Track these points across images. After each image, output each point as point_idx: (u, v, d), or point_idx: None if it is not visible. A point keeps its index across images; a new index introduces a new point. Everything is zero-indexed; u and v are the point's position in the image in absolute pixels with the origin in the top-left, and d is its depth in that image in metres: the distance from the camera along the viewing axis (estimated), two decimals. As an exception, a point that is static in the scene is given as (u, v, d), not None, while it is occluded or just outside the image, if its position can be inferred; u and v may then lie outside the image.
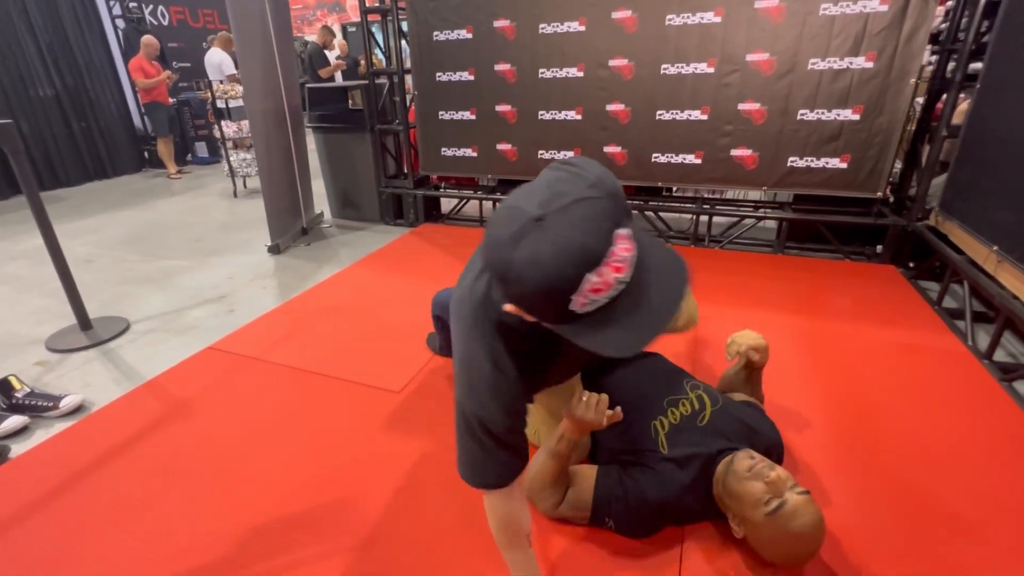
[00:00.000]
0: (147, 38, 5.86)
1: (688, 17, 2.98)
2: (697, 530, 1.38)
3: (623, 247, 0.70)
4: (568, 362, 1.29)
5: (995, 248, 2.19)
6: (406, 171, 4.11)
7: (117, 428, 1.83)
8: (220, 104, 5.32)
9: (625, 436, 1.41)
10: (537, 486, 1.36)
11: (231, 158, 5.23)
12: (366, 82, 3.87)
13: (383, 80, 4.00)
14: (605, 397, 1.32)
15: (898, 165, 3.24)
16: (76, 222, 4.45)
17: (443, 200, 4.44)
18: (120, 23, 6.66)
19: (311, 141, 4.21)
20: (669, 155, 3.29)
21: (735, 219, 3.64)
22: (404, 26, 3.64)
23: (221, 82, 5.46)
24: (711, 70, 3.02)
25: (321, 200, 4.41)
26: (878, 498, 1.48)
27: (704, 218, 3.58)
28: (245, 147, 5.34)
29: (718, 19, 2.91)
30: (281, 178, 3.75)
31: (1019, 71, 2.25)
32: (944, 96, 2.86)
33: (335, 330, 2.49)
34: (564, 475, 1.36)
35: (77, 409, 1.95)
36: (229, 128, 5.27)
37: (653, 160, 3.33)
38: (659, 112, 3.20)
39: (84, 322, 2.50)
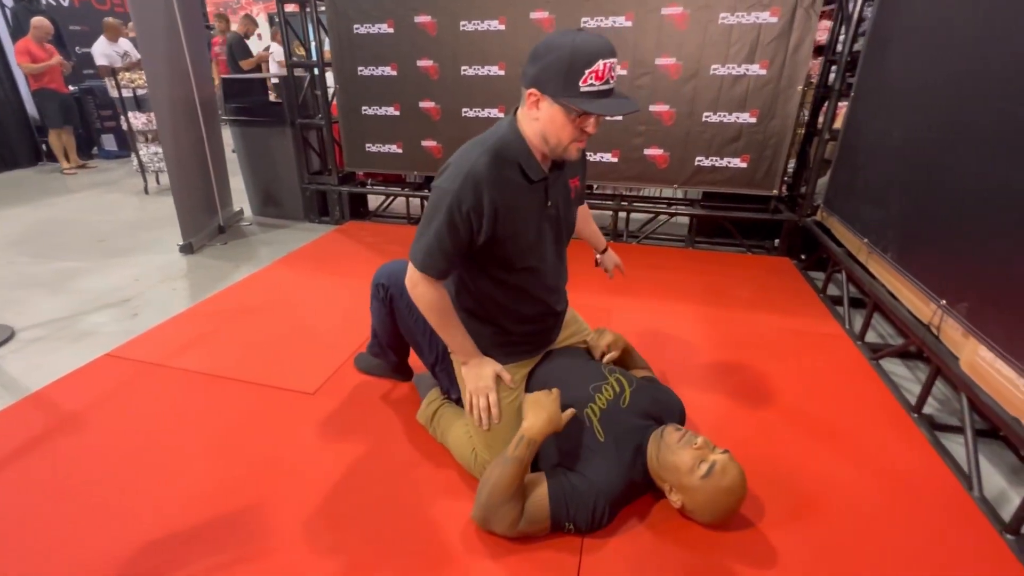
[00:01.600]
0: (37, 19, 5.29)
1: (602, 20, 3.05)
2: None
3: (614, 61, 1.15)
4: (529, 215, 1.33)
5: (866, 241, 2.40)
6: (330, 167, 3.97)
7: (-6, 446, 1.65)
8: (127, 93, 4.91)
9: (566, 431, 1.40)
10: (497, 498, 1.27)
11: (141, 152, 4.84)
12: (285, 74, 3.68)
13: (303, 73, 3.83)
14: (556, 390, 1.38)
15: (793, 165, 3.48)
16: (-44, 220, 3.98)
17: (370, 197, 4.32)
18: (8, 1, 5.98)
19: (228, 135, 3.97)
20: (588, 153, 3.36)
21: (651, 215, 3.78)
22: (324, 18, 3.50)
23: (127, 70, 5.03)
24: (624, 72, 3.11)
25: (241, 197, 4.17)
26: (765, 457, 1.60)
27: (623, 215, 3.70)
28: (157, 140, 4.95)
29: (629, 23, 3.00)
30: (193, 173, 3.51)
31: (882, 81, 2.48)
32: (827, 103, 3.10)
33: (249, 332, 2.37)
34: (523, 485, 1.31)
35: (-53, 428, 1.75)
36: (138, 120, 4.87)
37: (573, 158, 3.39)
38: (577, 112, 3.26)
39: (-41, 331, 2.24)
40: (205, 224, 3.63)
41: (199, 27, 3.57)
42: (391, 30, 3.35)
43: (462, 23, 3.22)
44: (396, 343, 1.81)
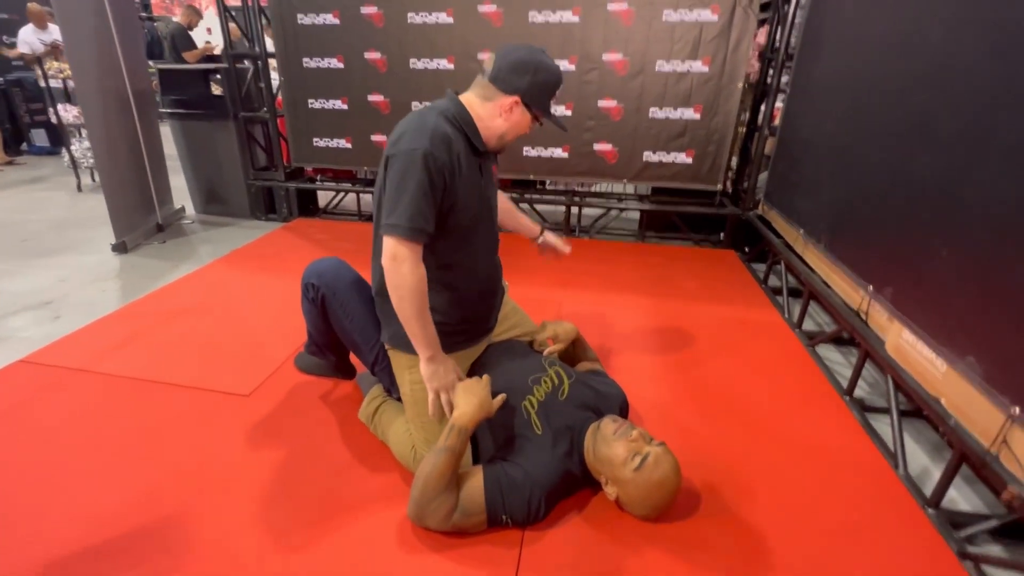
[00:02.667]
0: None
1: (549, 15, 3.02)
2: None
3: None
4: (473, 185, 1.36)
5: (801, 231, 2.46)
6: (276, 163, 3.80)
7: None
8: (56, 84, 4.57)
9: (501, 423, 1.38)
10: (431, 491, 1.21)
11: (73, 147, 4.52)
12: (225, 65, 3.50)
13: (247, 64, 3.65)
14: (487, 376, 1.34)
15: (736, 161, 3.55)
16: None
17: (320, 193, 4.17)
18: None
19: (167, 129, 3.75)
20: (539, 148, 3.34)
21: (602, 211, 3.79)
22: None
23: (52, 58, 4.68)
24: (572, 67, 3.10)
25: (183, 195, 3.95)
26: (705, 446, 1.60)
27: (575, 210, 3.69)
28: (90, 134, 4.63)
29: (576, 18, 2.99)
30: (127, 168, 3.28)
31: (814, 79, 2.54)
32: (765, 100, 3.18)
33: (182, 334, 2.23)
34: (456, 476, 1.26)
35: None
36: (69, 113, 4.55)
37: (524, 154, 3.36)
38: (527, 107, 3.23)
39: None
40: (141, 222, 3.40)
41: (132, 12, 3.34)
42: (337, 21, 3.23)
43: (409, 15, 3.13)
44: (332, 343, 1.72)
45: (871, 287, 1.83)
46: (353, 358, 1.87)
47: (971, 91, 1.45)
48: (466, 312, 1.47)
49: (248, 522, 1.33)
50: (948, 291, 1.46)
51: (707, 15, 2.85)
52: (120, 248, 3.16)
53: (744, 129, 3.42)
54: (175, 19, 6.53)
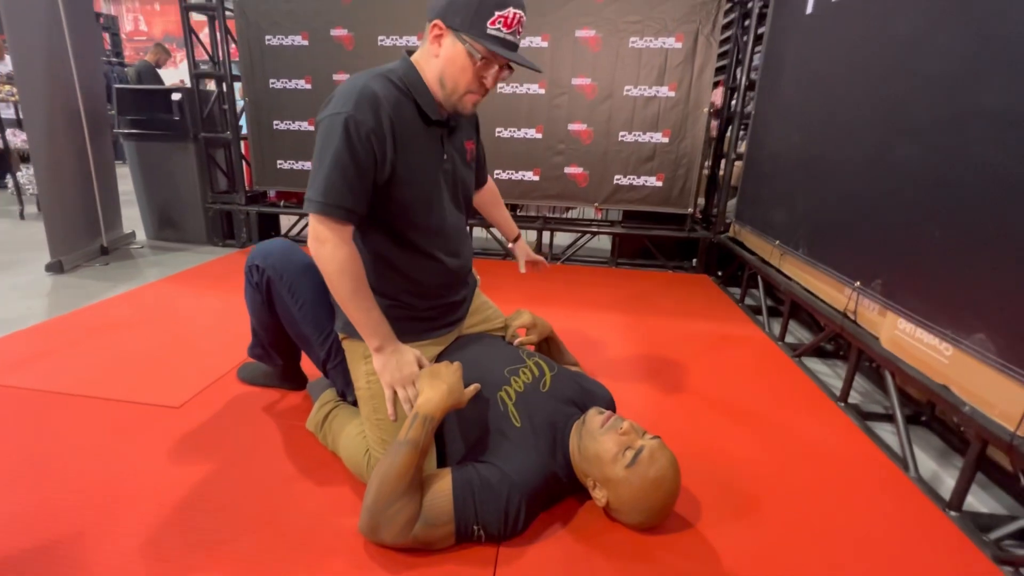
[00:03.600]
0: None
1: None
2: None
3: (523, 15, 1.06)
4: (427, 160, 1.17)
5: (777, 243, 2.40)
6: (238, 186, 3.61)
7: None
8: (6, 109, 4.33)
9: (473, 418, 1.17)
10: (387, 493, 0.98)
11: (20, 174, 4.21)
12: (188, 85, 3.36)
13: (212, 88, 3.52)
14: (458, 363, 1.15)
15: (705, 186, 3.56)
16: None
17: (283, 218, 3.96)
18: None
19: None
20: (510, 172, 3.27)
21: (575, 235, 3.71)
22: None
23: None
24: (542, 91, 3.09)
25: (136, 223, 3.68)
26: (699, 452, 1.41)
27: (547, 236, 3.60)
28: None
29: (545, 44, 3.01)
30: (71, 186, 3.02)
31: (775, 102, 2.59)
32: (730, 127, 3.23)
33: (111, 347, 1.94)
34: (419, 477, 1.03)
35: None
36: (18, 138, 4.29)
37: (495, 176, 3.28)
38: (498, 130, 3.18)
39: None
40: (82, 244, 3.11)
41: (90, 28, 3.20)
42: (306, 42, 3.17)
43: (380, 38, 3.10)
44: (280, 341, 1.49)
45: (858, 283, 1.74)
46: (305, 365, 1.63)
47: (940, 75, 1.42)
48: (435, 301, 1.29)
49: (161, 542, 1.05)
50: (947, 270, 1.37)
51: (672, 42, 2.91)
52: (55, 268, 2.85)
53: (712, 154, 3.45)
54: (145, 58, 6.46)
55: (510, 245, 1.73)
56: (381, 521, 0.99)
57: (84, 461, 1.30)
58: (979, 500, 1.40)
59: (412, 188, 1.13)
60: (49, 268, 2.85)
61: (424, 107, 1.12)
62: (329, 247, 1.07)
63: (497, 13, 1.02)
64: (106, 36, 8.05)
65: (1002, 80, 1.22)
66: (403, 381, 1.16)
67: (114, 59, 8.15)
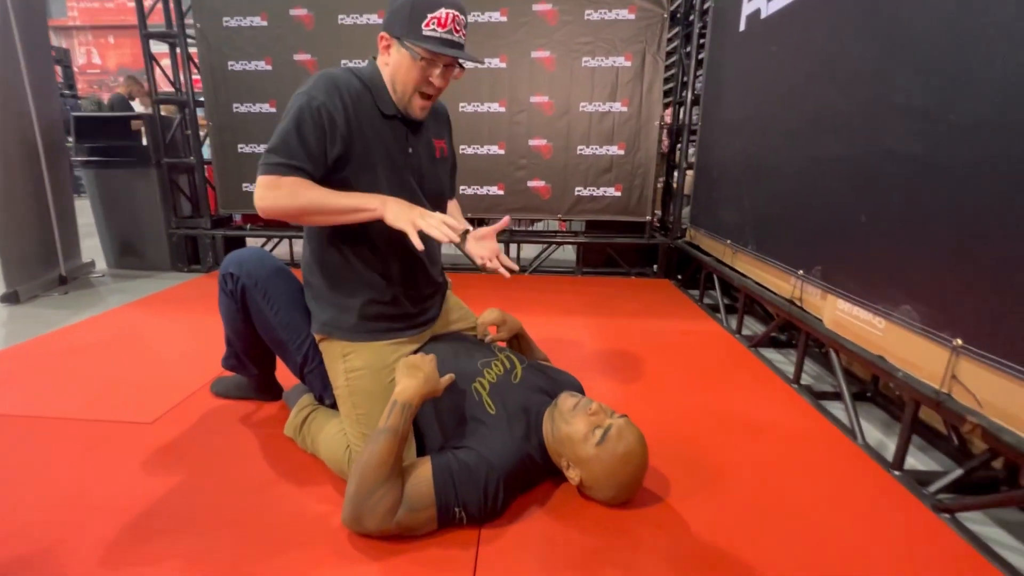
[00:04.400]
0: None
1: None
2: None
3: (457, 14, 1.15)
4: (386, 152, 1.23)
5: (728, 242, 2.54)
6: (203, 212, 3.56)
7: None
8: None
9: (449, 408, 1.21)
10: (369, 481, 1.00)
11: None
12: (148, 112, 3.33)
13: (173, 114, 3.50)
14: (433, 354, 1.19)
15: (661, 195, 3.73)
16: None
17: (249, 241, 3.92)
18: None
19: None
20: (475, 187, 3.35)
21: (541, 247, 3.81)
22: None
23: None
24: (503, 109, 3.20)
25: (96, 252, 3.57)
26: (667, 436, 1.47)
27: (515, 249, 3.68)
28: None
29: (503, 64, 3.13)
30: (27, 214, 2.93)
31: (719, 113, 2.77)
32: (680, 139, 3.41)
33: (78, 369, 1.89)
34: (399, 463, 1.05)
35: None
36: (-35, 171, 4.11)
37: (461, 192, 3.36)
38: (462, 147, 3.27)
39: None
40: (40, 274, 3.01)
41: (45, 56, 3.14)
42: (269, 67, 3.20)
43: (343, 63, 3.16)
44: (255, 350, 1.50)
45: (801, 271, 1.88)
46: (280, 375, 1.63)
47: (855, 77, 1.58)
48: (403, 296, 1.32)
49: (128, 553, 1.03)
50: (872, 253, 1.50)
51: (622, 61, 3.08)
52: (11, 298, 2.74)
53: (665, 164, 3.62)
54: (118, 91, 6.31)
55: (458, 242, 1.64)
56: (364, 510, 1.01)
57: (53, 478, 1.26)
58: (919, 461, 1.52)
59: (363, 171, 1.20)
60: (4, 299, 2.74)
61: (379, 102, 1.21)
62: (270, 197, 1.11)
63: (429, 15, 1.13)
64: (58, 69, 7.85)
65: (906, 78, 1.37)
66: (420, 214, 1.12)
67: (67, 91, 7.94)
